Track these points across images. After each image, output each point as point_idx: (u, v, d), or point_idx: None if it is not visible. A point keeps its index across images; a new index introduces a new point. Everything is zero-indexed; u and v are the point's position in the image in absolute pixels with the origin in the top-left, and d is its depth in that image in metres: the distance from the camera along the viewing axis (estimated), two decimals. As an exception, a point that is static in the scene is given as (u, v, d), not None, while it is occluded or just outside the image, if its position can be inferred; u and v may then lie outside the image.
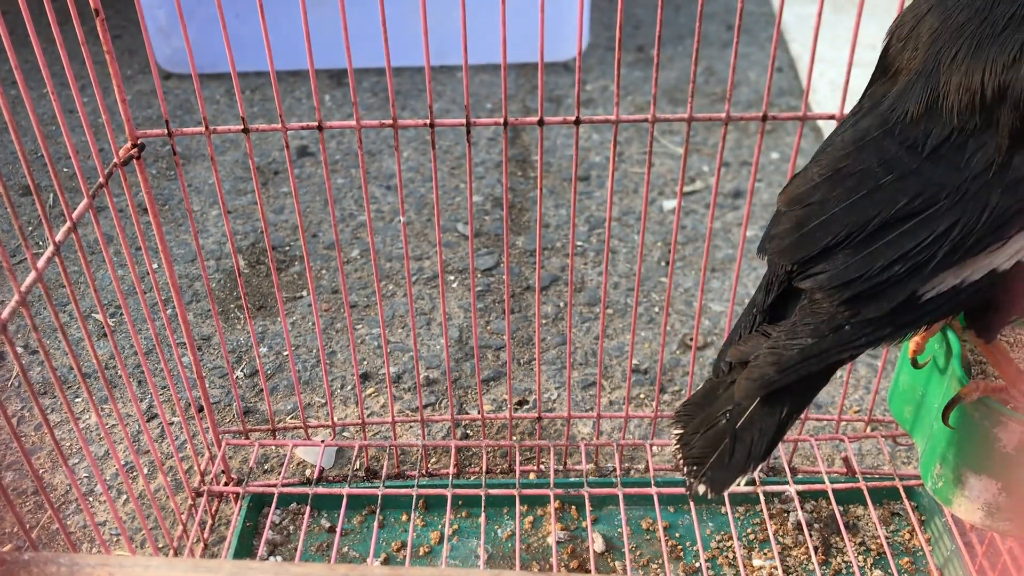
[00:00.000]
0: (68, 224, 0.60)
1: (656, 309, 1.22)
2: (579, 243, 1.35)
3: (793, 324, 0.52)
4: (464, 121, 0.68)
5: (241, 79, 1.81)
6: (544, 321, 1.20)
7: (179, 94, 1.76)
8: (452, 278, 1.29)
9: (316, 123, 0.67)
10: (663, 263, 1.31)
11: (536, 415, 0.92)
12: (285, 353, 1.15)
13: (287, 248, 1.35)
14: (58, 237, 0.58)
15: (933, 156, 0.49)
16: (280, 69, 1.84)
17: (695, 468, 0.55)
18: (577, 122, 0.67)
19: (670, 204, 1.44)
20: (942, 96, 0.49)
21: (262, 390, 1.09)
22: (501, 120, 0.68)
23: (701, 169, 1.54)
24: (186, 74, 1.82)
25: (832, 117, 0.69)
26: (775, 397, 0.53)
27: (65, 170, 1.51)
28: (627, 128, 1.64)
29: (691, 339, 1.17)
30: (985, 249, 0.48)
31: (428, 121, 0.67)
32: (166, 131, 0.67)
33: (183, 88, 1.78)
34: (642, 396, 1.08)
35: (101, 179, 0.64)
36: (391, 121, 0.68)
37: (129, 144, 0.67)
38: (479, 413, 0.92)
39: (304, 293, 1.26)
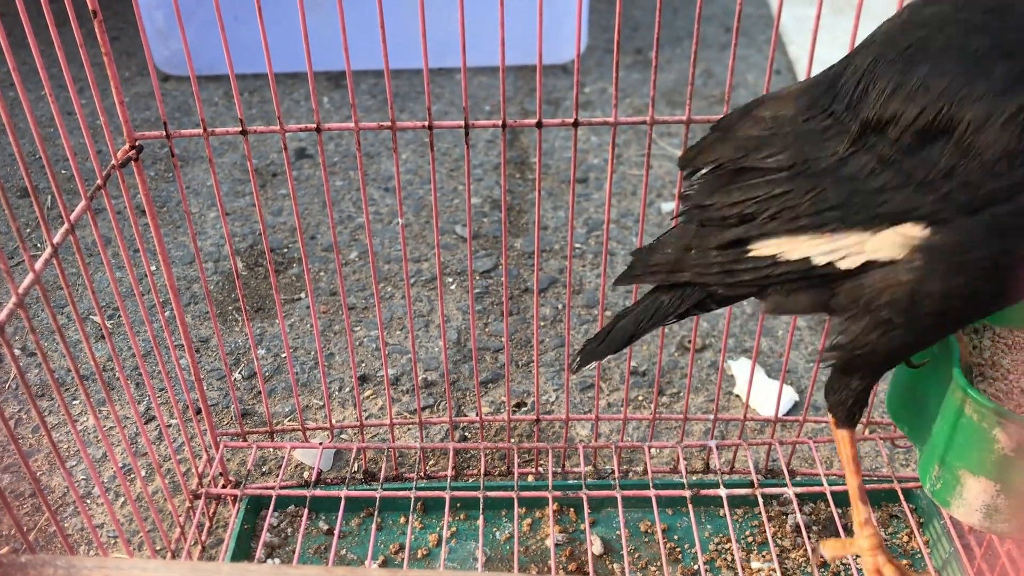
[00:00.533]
0: (66, 226, 0.60)
1: (654, 311, 1.22)
2: (577, 245, 1.35)
3: (669, 234, 0.57)
4: (463, 123, 0.68)
5: (239, 81, 1.81)
6: (543, 323, 1.20)
7: (177, 96, 1.76)
8: (450, 280, 1.28)
9: (314, 125, 0.67)
10: (661, 265, 1.31)
11: (535, 417, 0.92)
12: (283, 355, 1.15)
13: (285, 250, 1.35)
14: (56, 239, 0.58)
15: (806, 125, 0.51)
16: (278, 71, 1.84)
17: (577, 351, 0.63)
18: (575, 124, 0.67)
19: (668, 206, 1.44)
20: (845, 74, 0.51)
21: (260, 392, 1.09)
22: (499, 122, 0.68)
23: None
24: (184, 76, 1.82)
25: (830, 119, 0.69)
26: (647, 304, 0.59)
27: (63, 172, 1.51)
28: (625, 130, 1.64)
29: (689, 341, 1.17)
30: (800, 230, 0.50)
31: (426, 123, 0.67)
32: (164, 133, 0.67)
33: (181, 90, 1.78)
34: (640, 398, 1.08)
35: (99, 181, 0.63)
36: (389, 123, 0.68)
37: (127, 146, 0.67)
38: (477, 415, 0.92)
39: (302, 295, 1.26)
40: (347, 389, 1.10)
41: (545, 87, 1.77)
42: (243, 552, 0.87)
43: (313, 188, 1.49)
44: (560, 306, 1.23)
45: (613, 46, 0.64)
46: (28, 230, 1.38)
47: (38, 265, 0.56)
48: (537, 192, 0.68)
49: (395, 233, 1.38)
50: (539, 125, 0.67)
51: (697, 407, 1.07)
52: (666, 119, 0.68)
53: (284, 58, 1.83)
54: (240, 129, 0.67)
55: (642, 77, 1.83)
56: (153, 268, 1.28)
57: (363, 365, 1.14)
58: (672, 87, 1.80)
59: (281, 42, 1.78)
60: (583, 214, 1.42)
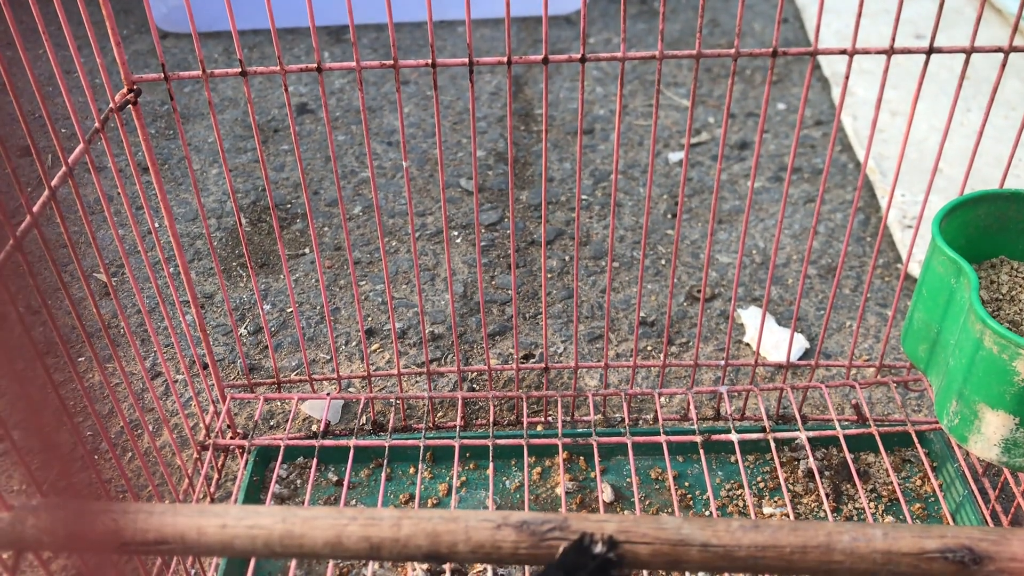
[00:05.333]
0: (63, 169, 0.58)
1: (663, 261, 1.21)
2: (584, 197, 1.34)
3: None
4: (467, 61, 0.66)
5: (239, 37, 1.79)
6: (550, 275, 1.19)
7: (176, 53, 1.74)
8: (456, 234, 1.27)
9: (315, 65, 0.65)
10: (669, 216, 1.30)
11: (543, 366, 0.91)
12: (289, 310, 1.14)
13: (288, 206, 1.34)
14: (54, 182, 0.57)
15: None
16: (278, 26, 1.81)
17: None
18: (583, 60, 0.65)
19: (676, 156, 1.42)
20: None
21: (266, 347, 1.09)
22: (504, 59, 0.66)
23: (707, 121, 1.52)
24: (183, 33, 1.79)
25: (844, 51, 0.67)
26: None
27: (64, 131, 1.49)
28: (631, 80, 1.62)
29: (698, 291, 1.16)
30: None
31: (430, 61, 0.66)
32: (162, 75, 0.66)
33: (180, 47, 1.76)
34: (649, 348, 1.07)
35: (97, 124, 0.62)
36: (392, 62, 0.66)
37: (125, 89, 0.66)
38: (486, 365, 0.91)
39: (307, 250, 1.24)
40: (354, 343, 1.09)
41: (549, 38, 1.75)
42: (252, 503, 0.87)
43: (315, 144, 1.47)
44: (567, 258, 1.22)
45: (620, -23, 0.62)
46: (29, 189, 1.37)
47: (36, 207, 0.55)
48: (543, 131, 0.66)
49: (399, 187, 1.36)
50: (545, 61, 0.65)
51: (707, 356, 1.06)
52: (676, 53, 0.66)
53: (283, 13, 1.80)
54: (240, 70, 0.66)
55: (647, 27, 1.80)
56: (156, 224, 1.27)
57: (369, 319, 1.13)
58: (678, 37, 1.77)
59: (280, -4, 1.75)
60: (589, 165, 1.40)
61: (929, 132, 1.43)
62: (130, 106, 0.66)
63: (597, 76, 1.63)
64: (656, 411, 0.89)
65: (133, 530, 0.44)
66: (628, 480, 0.89)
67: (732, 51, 0.66)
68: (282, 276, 1.20)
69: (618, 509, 0.87)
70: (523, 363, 1.04)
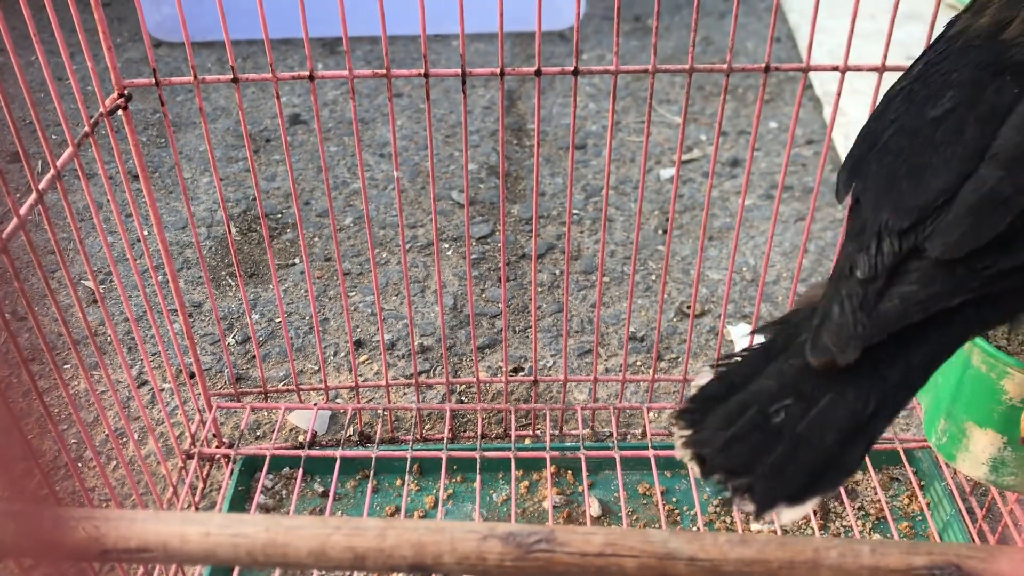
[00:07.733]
0: (52, 172, 0.58)
1: (653, 277, 1.21)
2: (575, 212, 1.34)
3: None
4: (459, 71, 0.66)
5: (232, 47, 1.79)
6: (540, 289, 1.19)
7: (170, 62, 1.74)
8: (446, 246, 1.27)
9: (307, 73, 0.65)
10: (660, 231, 1.30)
11: (532, 378, 0.90)
12: (277, 320, 1.14)
13: (279, 216, 1.33)
14: (42, 185, 0.57)
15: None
16: (272, 37, 1.81)
17: (735, 478, 0.39)
18: (575, 72, 0.65)
19: (667, 173, 1.42)
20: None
21: (254, 357, 1.08)
22: (498, 70, 0.66)
23: (699, 138, 1.52)
24: (176, 42, 1.79)
25: (835, 68, 0.67)
26: (858, 382, 0.41)
27: (54, 137, 1.49)
28: (624, 97, 1.62)
29: (688, 307, 1.16)
30: None
31: (422, 72, 0.66)
32: (153, 80, 0.65)
33: (174, 56, 1.76)
34: (639, 363, 1.07)
35: (86, 128, 0.62)
36: (384, 71, 0.66)
37: (116, 94, 0.65)
38: (474, 377, 0.91)
39: (296, 260, 1.24)
40: (342, 354, 1.09)
41: (542, 53, 1.75)
42: (237, 513, 0.86)
43: (307, 154, 1.47)
44: (558, 272, 1.22)
45: (611, 13, 0.63)
46: (18, 195, 1.36)
47: (23, 210, 0.55)
48: (536, 148, 0.66)
49: (390, 199, 1.36)
50: (538, 73, 0.66)
51: (696, 371, 1.06)
52: (669, 68, 0.66)
53: (277, 23, 1.80)
54: (231, 77, 0.66)
55: (640, 44, 1.81)
56: (145, 232, 1.26)
57: (358, 330, 1.12)
58: (671, 54, 1.77)
59: (274, 7, 1.75)
60: (581, 180, 1.40)
61: (919, 152, 1.43)
62: (120, 111, 0.65)
63: (590, 92, 1.64)
64: (645, 426, 0.89)
65: (115, 537, 0.44)
66: (616, 495, 0.89)
67: (725, 66, 0.66)
68: (271, 286, 1.19)
69: (606, 523, 0.86)
70: (512, 376, 1.04)
